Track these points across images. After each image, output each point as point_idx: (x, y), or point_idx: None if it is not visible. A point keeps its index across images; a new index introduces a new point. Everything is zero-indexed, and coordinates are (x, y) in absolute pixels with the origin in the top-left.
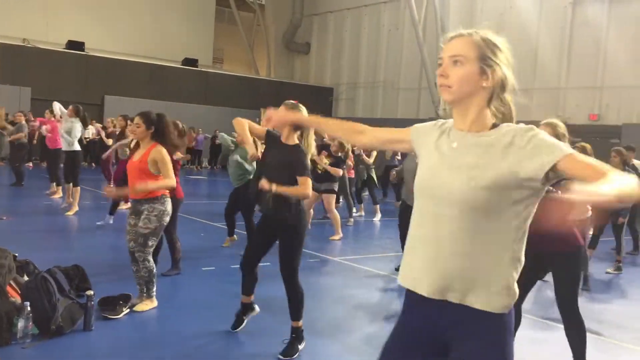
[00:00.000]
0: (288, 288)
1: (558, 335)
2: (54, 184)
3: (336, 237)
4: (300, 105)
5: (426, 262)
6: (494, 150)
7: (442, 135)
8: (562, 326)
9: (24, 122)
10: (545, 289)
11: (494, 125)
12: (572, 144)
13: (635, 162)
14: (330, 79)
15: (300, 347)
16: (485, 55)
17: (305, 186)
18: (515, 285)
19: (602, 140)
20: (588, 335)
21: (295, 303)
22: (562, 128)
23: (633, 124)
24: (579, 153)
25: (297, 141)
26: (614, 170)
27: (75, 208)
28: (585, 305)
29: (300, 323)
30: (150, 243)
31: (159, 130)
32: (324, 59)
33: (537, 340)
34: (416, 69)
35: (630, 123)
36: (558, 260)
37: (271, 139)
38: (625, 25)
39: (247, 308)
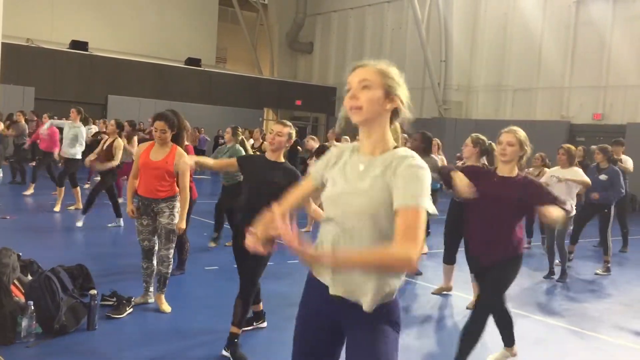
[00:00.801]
0: (245, 290)
1: (558, 335)
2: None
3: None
4: (288, 124)
5: None
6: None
7: (347, 158)
8: (563, 326)
9: (23, 121)
10: (544, 290)
11: (395, 147)
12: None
13: (623, 157)
14: (334, 78)
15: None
16: (387, 82)
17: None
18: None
19: (606, 139)
20: (584, 334)
21: (246, 308)
22: (523, 135)
23: (637, 123)
24: (416, 214)
25: (283, 159)
26: (399, 251)
27: (59, 205)
28: (584, 304)
29: (240, 330)
30: (175, 239)
31: (179, 132)
32: (327, 59)
33: (538, 340)
34: (419, 69)
35: (634, 122)
36: (498, 263)
37: (254, 159)
38: (629, 24)
39: (257, 315)
